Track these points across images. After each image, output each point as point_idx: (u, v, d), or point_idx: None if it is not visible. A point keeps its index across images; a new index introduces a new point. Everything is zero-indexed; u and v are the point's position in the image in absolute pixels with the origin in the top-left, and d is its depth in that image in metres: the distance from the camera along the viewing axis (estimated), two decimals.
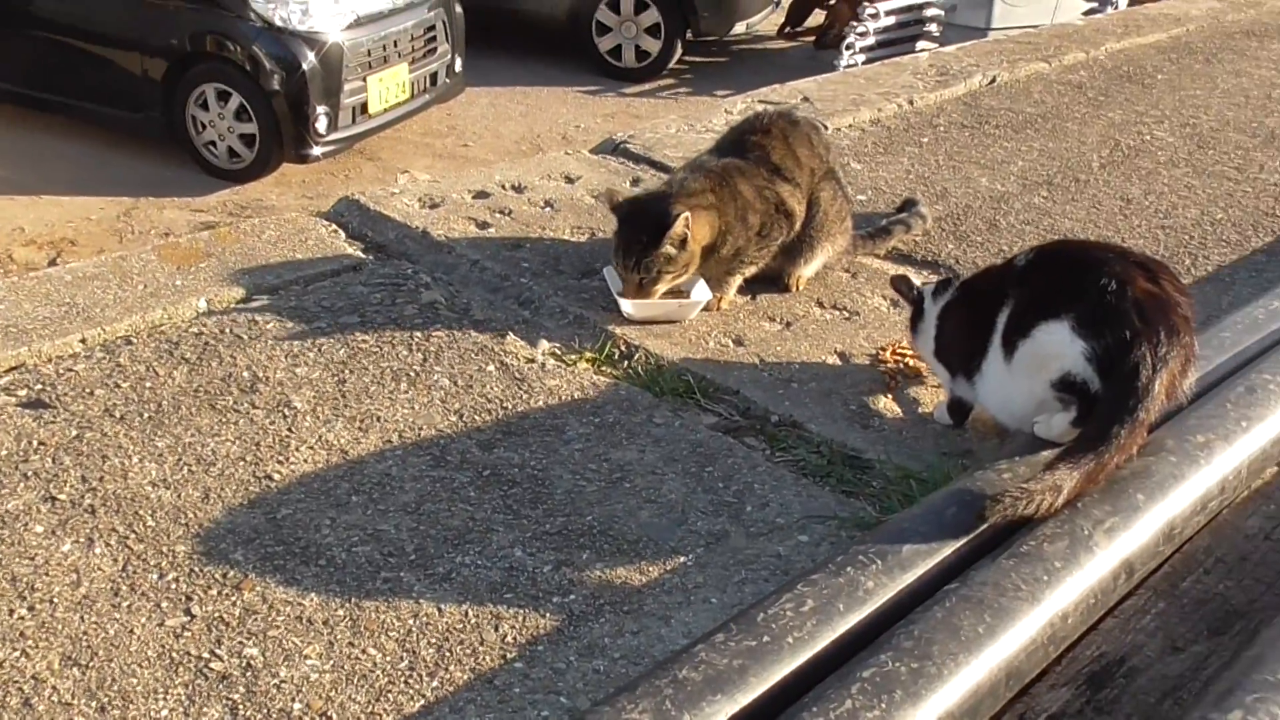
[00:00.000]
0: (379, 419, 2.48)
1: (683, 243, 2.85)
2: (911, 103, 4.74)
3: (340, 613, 1.98)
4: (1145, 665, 1.92)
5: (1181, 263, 3.49)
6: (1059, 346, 2.11)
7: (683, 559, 2.15)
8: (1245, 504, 2.31)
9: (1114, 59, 5.63)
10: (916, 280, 2.67)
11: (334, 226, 3.34)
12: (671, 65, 9.56)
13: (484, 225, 3.37)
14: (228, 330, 2.78)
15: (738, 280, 3.07)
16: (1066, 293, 2.13)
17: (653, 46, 9.29)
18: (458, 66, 7.96)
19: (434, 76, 7.69)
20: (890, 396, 2.72)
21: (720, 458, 2.44)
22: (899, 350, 2.88)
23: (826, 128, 4.34)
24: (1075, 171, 4.17)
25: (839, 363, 2.84)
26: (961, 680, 1.67)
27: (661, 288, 2.90)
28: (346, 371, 2.64)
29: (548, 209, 3.53)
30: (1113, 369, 2.06)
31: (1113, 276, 2.08)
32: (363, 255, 3.19)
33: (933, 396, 2.72)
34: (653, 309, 2.91)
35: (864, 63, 8.20)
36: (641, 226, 2.86)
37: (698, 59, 9.88)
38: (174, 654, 1.88)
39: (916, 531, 1.95)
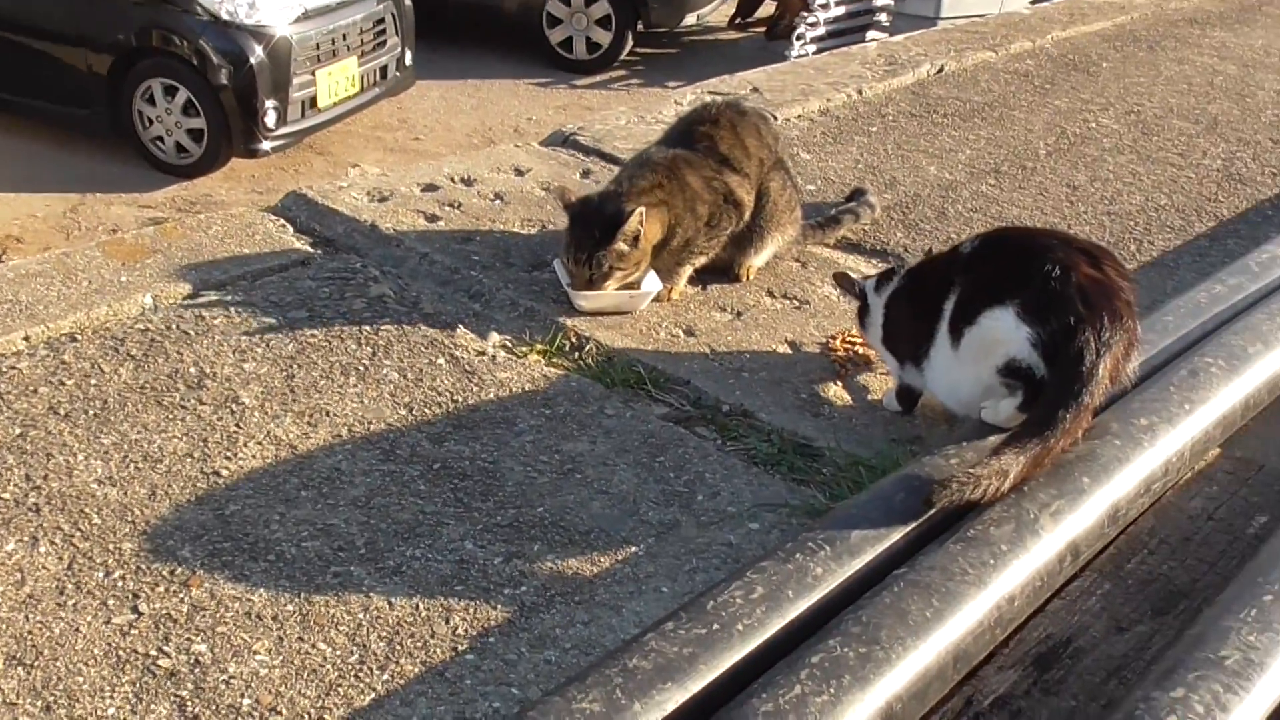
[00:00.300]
0: (328, 414, 2.47)
1: (635, 240, 2.85)
2: (860, 92, 4.76)
3: (290, 608, 1.96)
4: (1091, 646, 1.94)
5: (1126, 249, 3.53)
6: (1004, 333, 2.13)
7: (634, 549, 2.15)
8: (1188, 485, 2.34)
9: (1060, 47, 5.68)
10: (862, 272, 2.69)
11: (282, 221, 3.30)
12: (623, 57, 9.54)
13: (433, 218, 3.36)
14: (174, 326, 2.75)
15: (688, 271, 3.07)
16: (1011, 280, 2.15)
17: (604, 38, 9.27)
18: (408, 59, 7.90)
19: (384, 70, 7.63)
20: (840, 384, 2.73)
21: (671, 448, 2.45)
22: (849, 338, 2.90)
23: (776, 118, 4.36)
24: (1022, 159, 4.21)
25: (789, 351, 2.85)
26: (909, 664, 1.69)
27: (611, 285, 2.89)
28: (295, 366, 2.62)
29: (497, 202, 3.51)
30: (1057, 354, 2.08)
31: (1056, 263, 2.10)
32: (311, 250, 3.17)
33: (882, 384, 2.73)
34: (603, 300, 2.91)
35: (814, 53, 8.22)
36: (594, 223, 2.86)
37: (649, 50, 9.86)
38: (121, 651, 1.86)
39: (865, 518, 1.97)
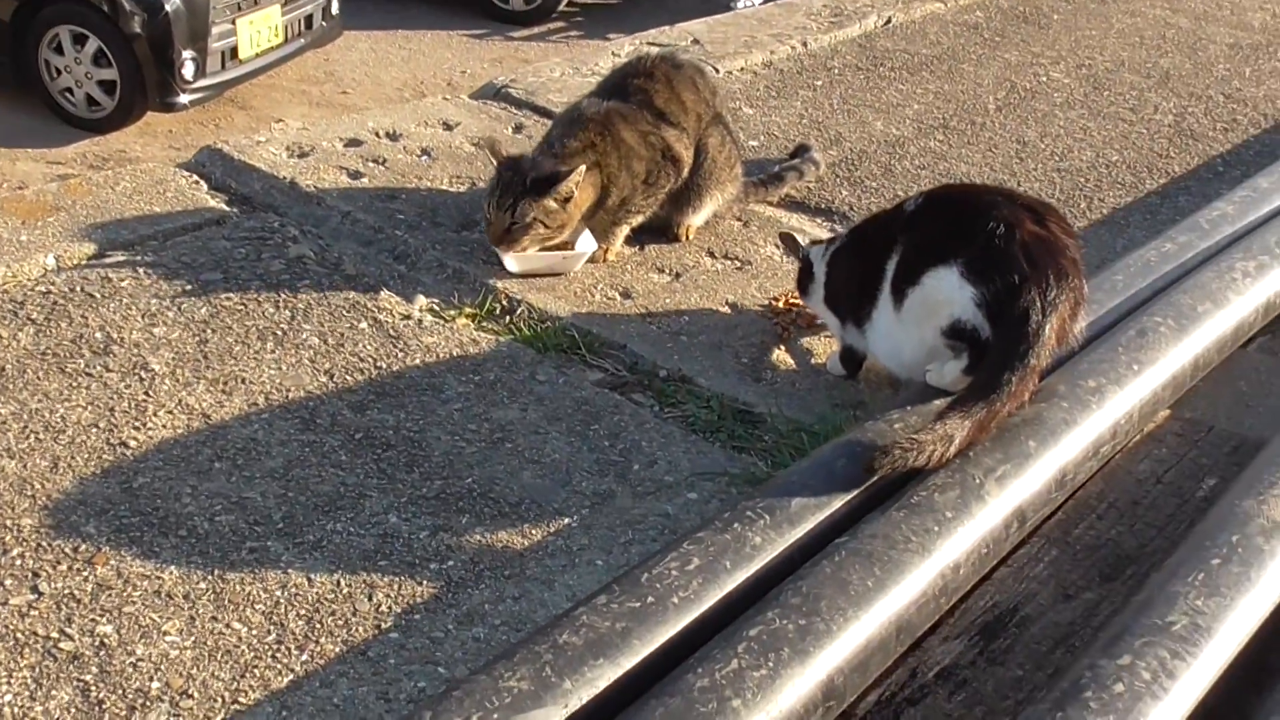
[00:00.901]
0: (244, 381, 2.42)
1: (567, 200, 2.81)
2: (805, 45, 4.74)
3: (202, 586, 1.92)
4: (1038, 614, 1.95)
5: (1077, 205, 3.55)
6: (948, 293, 2.12)
7: (567, 520, 2.13)
8: (1137, 448, 2.36)
9: None
10: (806, 232, 2.68)
11: (195, 178, 3.23)
12: (561, 8, 9.45)
13: (356, 175, 3.30)
14: (78, 289, 2.67)
15: (625, 230, 3.04)
16: (954, 238, 2.14)
17: None
18: (334, 9, 7.75)
19: (309, 19, 7.49)
20: (783, 348, 2.72)
21: (606, 415, 2.43)
22: (792, 300, 2.89)
23: (718, 71, 4.33)
24: (971, 114, 4.21)
25: (730, 314, 2.83)
26: (851, 636, 1.68)
27: (527, 242, 2.83)
28: (208, 331, 2.56)
29: (425, 158, 3.46)
30: (1002, 315, 2.08)
31: (1000, 220, 2.10)
32: (226, 208, 3.10)
33: (826, 347, 2.73)
34: (536, 261, 2.88)
35: (761, 3, 8.19)
36: (526, 173, 2.80)
37: (589, 1, 9.78)
38: (19, 634, 1.81)
39: (806, 485, 1.96)
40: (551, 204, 2.80)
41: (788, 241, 2.66)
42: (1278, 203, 3.11)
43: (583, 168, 2.79)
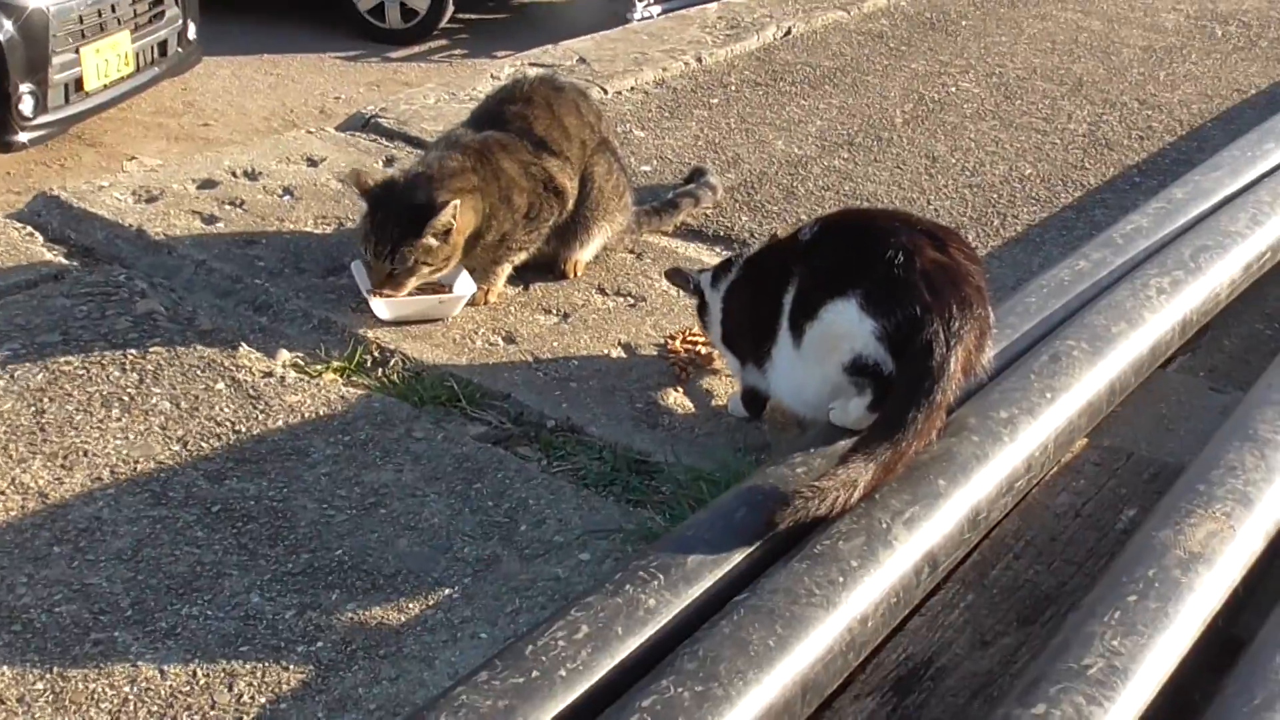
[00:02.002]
0: (86, 454, 2.38)
1: (447, 234, 2.82)
2: (700, 60, 4.81)
3: (39, 686, 1.89)
4: (954, 664, 1.99)
5: (990, 223, 3.64)
6: (847, 327, 2.16)
7: (448, 591, 2.13)
8: (1054, 481, 2.42)
9: (916, 5, 5.84)
10: (703, 262, 2.71)
11: (29, 229, 3.18)
12: (443, 24, 9.46)
13: (211, 220, 3.28)
14: None
15: (506, 269, 3.06)
16: (852, 268, 2.18)
17: (420, 4, 9.17)
18: (191, 33, 7.67)
19: (163, 45, 7.40)
20: (681, 390, 2.75)
21: (489, 472, 2.43)
22: (690, 338, 2.92)
23: (606, 91, 4.38)
24: (878, 129, 4.31)
25: (623, 355, 2.86)
26: (751, 701, 1.70)
27: (414, 283, 2.85)
28: (46, 400, 2.52)
29: (287, 197, 3.45)
30: (905, 348, 2.12)
31: (899, 248, 2.14)
32: (65, 261, 3.06)
33: (727, 388, 2.76)
34: (409, 307, 2.88)
35: (661, 13, 8.28)
36: (399, 210, 2.81)
37: (475, 17, 9.80)
38: None
39: (704, 540, 1.98)
40: (431, 241, 2.80)
41: (675, 277, 2.69)
42: (1193, 213, 3.20)
43: (457, 201, 2.80)
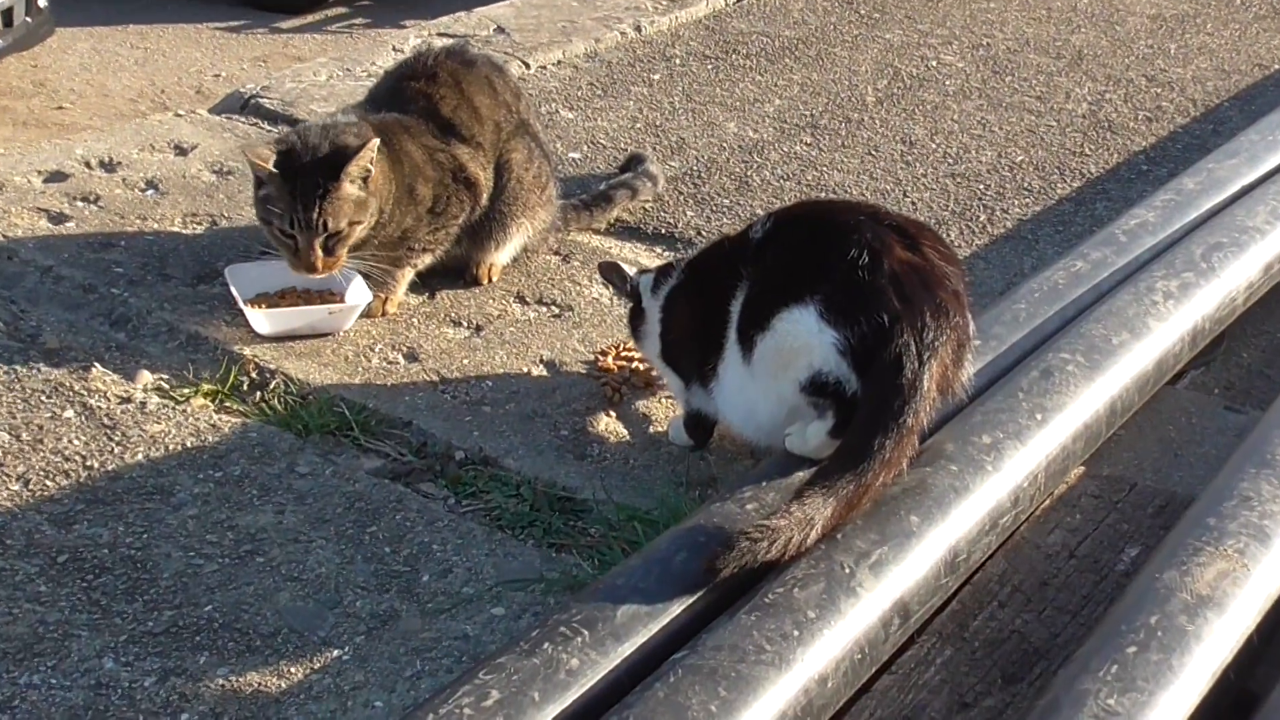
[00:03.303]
0: None
1: (366, 179, 2.82)
2: (639, 29, 4.84)
3: None
4: None
5: (976, 218, 3.69)
6: (805, 338, 2.18)
7: (337, 652, 2.13)
8: (1045, 516, 2.45)
9: None
10: (641, 264, 2.72)
11: None
12: None
13: (60, 219, 3.27)
14: None
15: (408, 274, 3.07)
16: (810, 270, 2.20)
17: None
18: (42, 1, 7.64)
19: (7, 14, 7.36)
20: (613, 415, 2.76)
21: (387, 513, 2.44)
22: (624, 353, 2.94)
23: (528, 65, 4.40)
24: (846, 110, 4.35)
25: (546, 375, 2.87)
26: None
27: (344, 253, 2.86)
28: None
29: (151, 192, 3.45)
30: (871, 363, 2.14)
31: (864, 246, 2.16)
32: None
33: (667, 411, 2.78)
34: (293, 319, 2.88)
35: None
36: (314, 168, 2.80)
37: None
38: None
39: (637, 589, 1.99)
40: (354, 190, 2.82)
41: (610, 273, 2.70)
42: (1206, 207, 3.25)
43: (376, 140, 2.82)
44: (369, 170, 2.83)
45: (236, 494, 2.45)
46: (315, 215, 2.80)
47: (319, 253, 2.83)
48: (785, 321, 2.21)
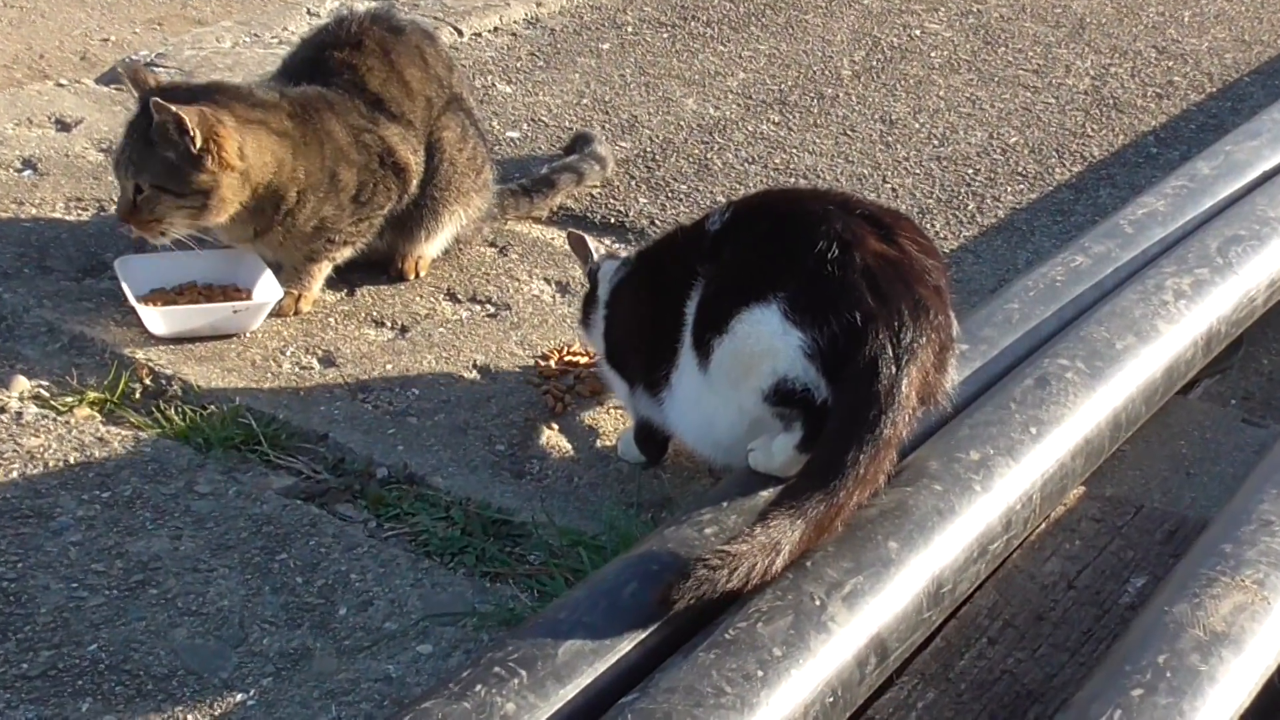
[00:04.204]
0: None
1: (200, 158, 2.80)
2: None
3: None
4: None
5: (963, 207, 3.71)
6: (768, 341, 2.19)
7: (241, 696, 2.12)
8: (1040, 542, 2.47)
9: None
10: (602, 248, 2.73)
11: None
12: None
13: None
14: None
15: (325, 268, 3.07)
16: (773, 265, 2.21)
17: None
18: None
19: None
20: (555, 427, 2.77)
21: (299, 538, 2.43)
22: (569, 356, 2.94)
23: (460, 32, 4.40)
24: (819, 84, 4.37)
25: (480, 381, 2.87)
26: None
27: (167, 225, 2.85)
28: None
29: (28, 173, 3.44)
30: (842, 369, 2.15)
31: (833, 238, 2.17)
32: None
33: (617, 423, 2.79)
34: (194, 318, 2.87)
35: None
36: (161, 109, 2.79)
37: None
38: None
39: (581, 623, 1.99)
40: (170, 155, 2.80)
41: (577, 246, 2.71)
42: (1222, 195, 3.28)
43: (205, 111, 2.81)
44: (215, 141, 2.81)
45: (126, 517, 2.44)
46: (126, 157, 2.84)
47: (126, 208, 2.86)
48: (745, 323, 2.21)
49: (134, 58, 4.05)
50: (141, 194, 2.83)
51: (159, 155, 2.81)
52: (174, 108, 2.76)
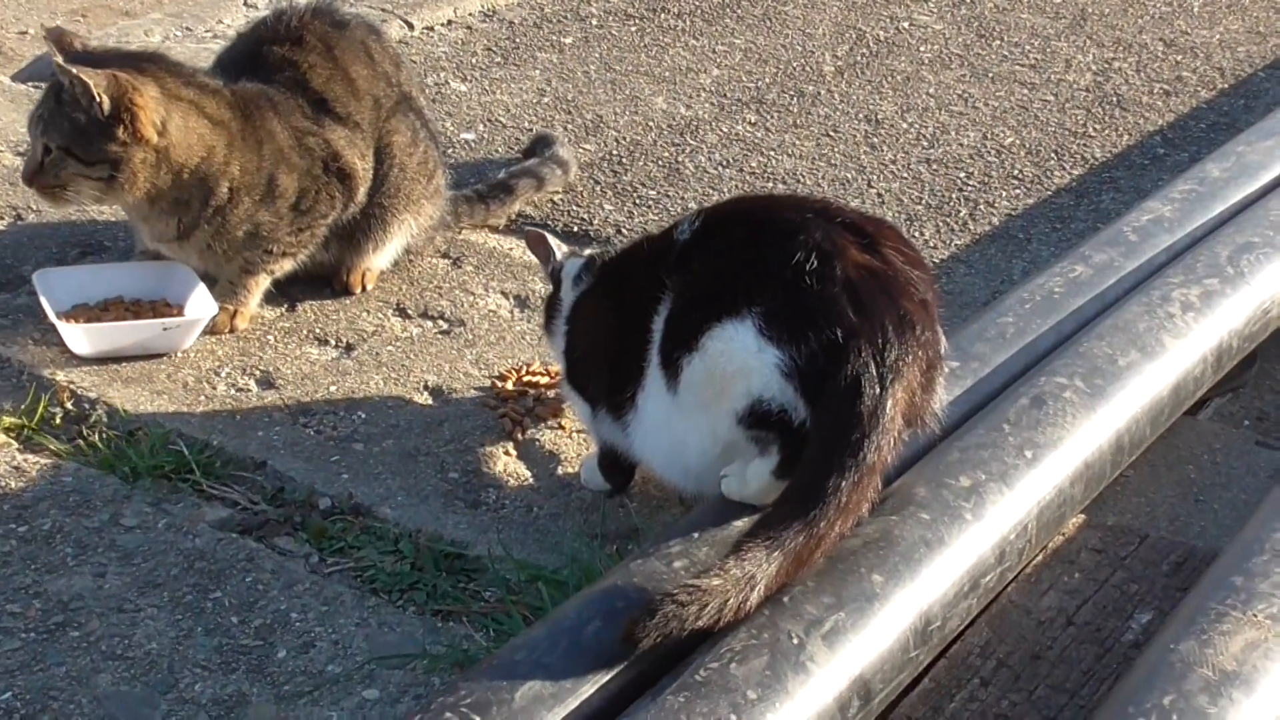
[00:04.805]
0: None
1: (108, 126, 2.81)
2: None
3: None
4: None
5: (955, 213, 3.73)
6: (742, 359, 2.19)
7: None
8: (1037, 575, 2.47)
9: None
10: (565, 247, 2.72)
11: None
12: None
13: None
14: None
15: (263, 281, 3.08)
16: (747, 277, 2.21)
17: None
18: None
19: None
20: (513, 453, 2.77)
21: (234, 575, 2.43)
22: (528, 377, 2.95)
23: (410, 26, 4.40)
24: (799, 81, 4.38)
25: (432, 404, 2.88)
26: None
27: (71, 194, 2.88)
28: None
29: None
30: (822, 389, 2.15)
31: (812, 248, 2.18)
32: None
33: (580, 449, 2.79)
34: (119, 336, 2.87)
35: None
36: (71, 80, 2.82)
37: None
38: None
39: (540, 665, 1.99)
40: (80, 117, 2.81)
41: (537, 246, 2.72)
42: (1234, 199, 3.29)
43: (120, 75, 2.81)
44: (135, 112, 2.83)
45: (45, 553, 2.43)
46: (41, 126, 2.86)
47: (33, 169, 2.88)
48: (718, 339, 2.22)
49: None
50: (49, 155, 2.85)
51: (69, 117, 2.83)
52: (77, 70, 2.77)
